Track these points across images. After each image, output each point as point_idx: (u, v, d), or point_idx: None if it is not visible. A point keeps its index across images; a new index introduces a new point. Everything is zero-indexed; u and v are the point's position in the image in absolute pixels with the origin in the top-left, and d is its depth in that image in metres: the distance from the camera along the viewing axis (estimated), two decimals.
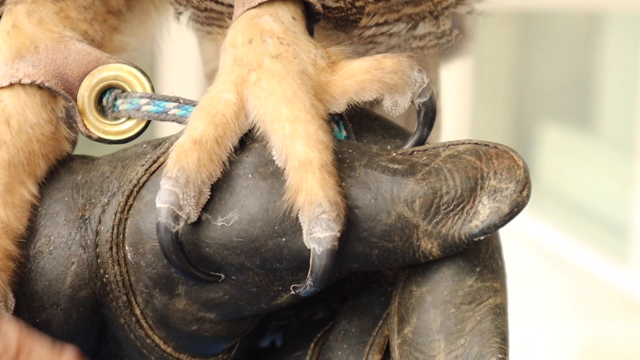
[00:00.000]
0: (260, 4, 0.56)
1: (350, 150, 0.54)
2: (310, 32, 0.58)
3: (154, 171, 0.56)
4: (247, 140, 0.55)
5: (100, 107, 0.59)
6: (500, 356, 0.52)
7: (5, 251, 0.54)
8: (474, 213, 0.52)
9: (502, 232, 0.54)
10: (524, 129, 4.11)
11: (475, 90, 3.64)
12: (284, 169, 0.53)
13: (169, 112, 0.57)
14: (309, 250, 0.52)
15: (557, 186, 3.89)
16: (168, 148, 0.56)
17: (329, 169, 0.52)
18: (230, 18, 0.59)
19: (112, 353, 0.58)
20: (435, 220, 0.52)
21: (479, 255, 0.53)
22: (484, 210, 0.52)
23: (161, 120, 0.58)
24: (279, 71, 0.54)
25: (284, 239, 0.52)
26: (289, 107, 0.54)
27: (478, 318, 0.52)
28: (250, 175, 0.53)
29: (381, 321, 0.56)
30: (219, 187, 0.53)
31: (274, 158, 0.53)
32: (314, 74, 0.55)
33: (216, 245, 0.53)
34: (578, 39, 4.04)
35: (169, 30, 0.67)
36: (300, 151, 0.52)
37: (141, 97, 0.58)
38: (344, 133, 0.57)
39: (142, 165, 0.56)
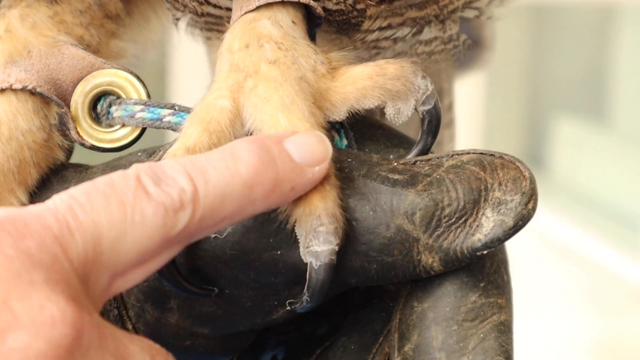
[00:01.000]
0: (258, 7, 0.55)
1: (350, 160, 0.52)
2: (312, 37, 0.56)
3: None
4: None
5: (95, 114, 0.57)
6: None
7: None
8: (477, 226, 0.50)
9: None
10: (538, 122, 4.09)
11: (489, 84, 3.61)
12: None
13: (163, 120, 0.56)
14: (306, 264, 0.50)
15: (570, 179, 3.87)
16: (161, 157, 0.54)
17: (329, 180, 0.50)
18: (229, 22, 0.57)
19: None
20: (437, 233, 0.50)
21: (483, 270, 0.52)
22: (488, 223, 0.50)
23: (155, 127, 0.56)
24: (276, 77, 0.53)
25: (279, 252, 0.51)
26: (287, 115, 0.52)
27: (481, 336, 0.50)
28: None
29: (381, 337, 0.55)
30: None
31: None
32: (313, 81, 0.53)
33: (209, 258, 0.51)
34: (592, 32, 4.01)
35: (177, 36, 0.65)
36: None
37: (136, 103, 0.56)
38: (344, 142, 0.55)
39: None
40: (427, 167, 0.52)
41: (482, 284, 0.51)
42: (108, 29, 0.60)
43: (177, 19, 0.61)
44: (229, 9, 0.58)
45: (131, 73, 0.57)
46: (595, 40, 3.99)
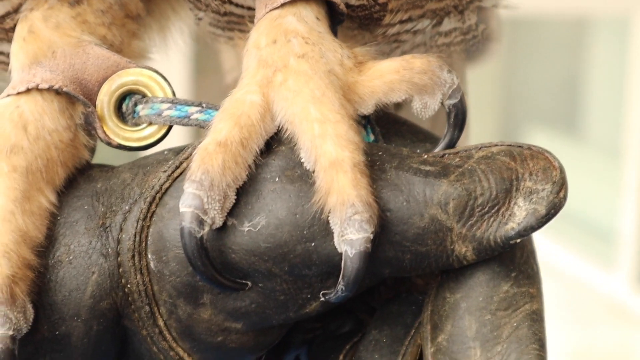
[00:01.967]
0: (282, 5, 0.55)
1: (380, 153, 0.53)
2: (334, 34, 0.57)
3: (177, 177, 0.54)
4: (274, 143, 0.53)
5: (120, 113, 0.57)
6: None
7: (24, 260, 0.53)
8: (510, 215, 0.51)
9: None
10: (512, 134, 4.12)
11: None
12: (313, 171, 0.51)
13: (191, 117, 0.56)
14: (340, 254, 0.50)
15: None
16: (191, 153, 0.54)
17: (361, 169, 0.51)
18: (252, 22, 0.57)
19: None
20: (470, 222, 0.51)
21: (514, 260, 0.52)
22: (520, 212, 0.50)
23: (183, 125, 0.56)
24: (305, 71, 0.53)
25: (313, 244, 0.51)
26: (318, 107, 0.52)
27: (515, 324, 0.51)
28: (277, 179, 0.52)
29: (413, 330, 0.55)
30: (245, 191, 0.52)
31: (301, 160, 0.52)
32: (341, 74, 0.54)
33: (243, 252, 0.51)
34: (565, 45, 4.05)
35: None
36: (331, 151, 0.51)
37: (162, 101, 0.56)
38: (372, 137, 0.55)
39: (165, 171, 0.54)
40: (457, 159, 0.52)
41: (513, 274, 0.52)
42: (129, 29, 0.60)
43: (200, 19, 0.62)
44: (251, 8, 0.58)
45: (156, 72, 0.57)
46: (568, 53, 4.04)
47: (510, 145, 0.53)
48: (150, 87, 0.57)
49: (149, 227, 0.54)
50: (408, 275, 0.54)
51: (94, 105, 0.57)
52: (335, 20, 0.57)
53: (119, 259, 0.54)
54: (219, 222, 0.51)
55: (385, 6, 0.58)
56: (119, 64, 0.57)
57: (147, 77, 0.57)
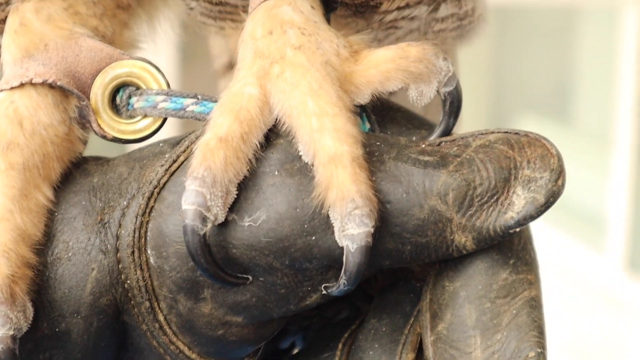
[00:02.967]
0: None
1: (378, 143, 0.52)
2: (327, 21, 0.57)
3: (174, 171, 0.54)
4: (272, 135, 0.53)
5: (114, 106, 0.57)
6: (539, 350, 0.50)
7: (22, 259, 0.52)
8: (509, 204, 0.50)
9: None
10: (502, 121, 4.12)
11: None
12: (312, 165, 0.51)
13: (187, 109, 0.55)
14: (340, 248, 0.50)
15: None
16: (188, 147, 0.54)
17: (360, 162, 0.50)
18: (245, 11, 0.57)
19: None
20: (469, 212, 0.50)
21: (512, 248, 0.52)
22: (519, 201, 0.50)
23: (179, 117, 0.55)
24: (302, 63, 0.53)
25: (313, 238, 0.51)
26: (315, 100, 0.52)
27: (514, 312, 0.51)
28: (276, 173, 0.51)
29: (412, 318, 0.55)
30: (245, 186, 0.51)
31: (300, 154, 0.52)
32: (337, 65, 0.53)
33: (243, 246, 0.51)
34: (555, 33, 4.05)
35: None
36: (329, 146, 0.50)
37: (157, 93, 0.56)
38: (367, 126, 0.55)
39: (162, 166, 0.54)
40: (455, 148, 0.52)
41: (511, 261, 0.52)
42: (120, 19, 0.60)
43: (191, 9, 0.61)
44: None
45: (150, 63, 0.56)
46: (558, 42, 4.04)
47: (507, 132, 0.52)
48: (144, 78, 0.56)
49: (148, 222, 0.53)
50: (408, 265, 0.53)
51: (88, 99, 0.56)
52: (329, 7, 0.57)
53: (118, 255, 0.53)
54: (221, 218, 0.51)
55: None
56: (112, 55, 0.56)
57: (141, 68, 0.56)
